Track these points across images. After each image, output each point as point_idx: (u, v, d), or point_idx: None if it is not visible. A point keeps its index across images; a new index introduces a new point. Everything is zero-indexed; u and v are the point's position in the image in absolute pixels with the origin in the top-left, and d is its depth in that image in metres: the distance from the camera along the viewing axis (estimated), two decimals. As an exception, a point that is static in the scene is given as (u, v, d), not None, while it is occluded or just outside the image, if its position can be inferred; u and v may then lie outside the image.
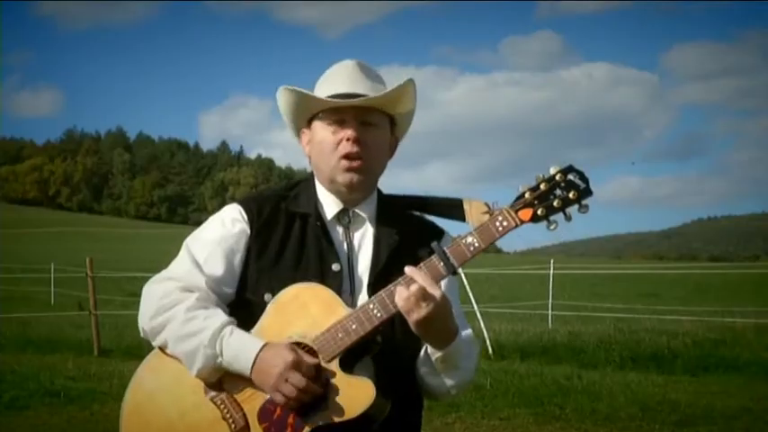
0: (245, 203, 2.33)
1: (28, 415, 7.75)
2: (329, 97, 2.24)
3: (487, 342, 11.36)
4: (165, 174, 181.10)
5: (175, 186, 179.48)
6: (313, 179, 2.37)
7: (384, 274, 2.20)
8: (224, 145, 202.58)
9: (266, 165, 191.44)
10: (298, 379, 2.04)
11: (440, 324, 2.08)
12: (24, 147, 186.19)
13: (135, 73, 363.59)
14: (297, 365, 2.05)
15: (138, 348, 11.51)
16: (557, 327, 14.28)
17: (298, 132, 2.40)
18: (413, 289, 2.03)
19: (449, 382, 2.23)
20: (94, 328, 12.59)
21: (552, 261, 17.47)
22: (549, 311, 16.48)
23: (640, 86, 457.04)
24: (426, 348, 2.20)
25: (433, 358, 2.18)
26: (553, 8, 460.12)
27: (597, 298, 23.14)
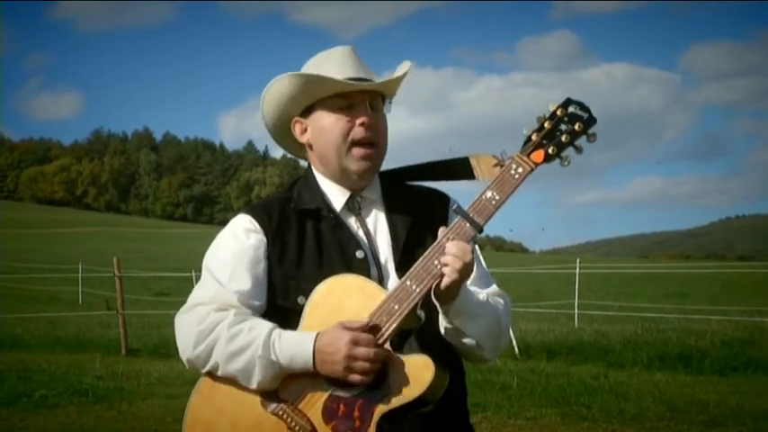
0: (253, 212, 2.26)
1: (56, 413, 7.80)
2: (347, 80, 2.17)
3: (514, 342, 11.32)
4: (191, 174, 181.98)
5: (201, 186, 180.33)
6: (311, 172, 2.31)
7: (408, 251, 2.16)
8: (250, 145, 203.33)
9: (291, 165, 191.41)
10: (365, 352, 1.99)
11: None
12: (51, 147, 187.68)
13: (156, 74, 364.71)
14: (356, 341, 2.00)
15: (165, 347, 11.59)
16: (583, 326, 14.19)
17: (287, 123, 2.30)
18: (464, 246, 2.01)
19: (472, 332, 2.12)
20: (122, 327, 12.66)
21: (578, 260, 17.42)
22: (576, 311, 16.41)
23: (661, 86, 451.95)
24: (440, 319, 2.13)
25: (450, 318, 2.10)
26: (568, 8, 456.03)
27: (624, 297, 23.03)
